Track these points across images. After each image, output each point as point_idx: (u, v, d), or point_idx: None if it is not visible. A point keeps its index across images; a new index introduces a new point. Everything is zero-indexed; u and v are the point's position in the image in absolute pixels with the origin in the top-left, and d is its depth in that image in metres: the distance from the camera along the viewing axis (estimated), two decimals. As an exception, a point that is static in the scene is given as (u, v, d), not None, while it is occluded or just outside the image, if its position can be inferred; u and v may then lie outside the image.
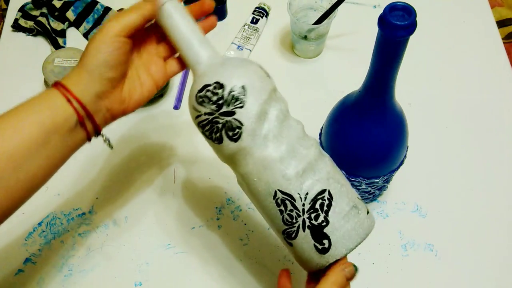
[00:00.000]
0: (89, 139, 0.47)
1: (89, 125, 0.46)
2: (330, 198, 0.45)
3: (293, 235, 0.46)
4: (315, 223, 0.45)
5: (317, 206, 0.45)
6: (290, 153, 0.45)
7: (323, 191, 0.45)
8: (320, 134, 0.63)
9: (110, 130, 0.75)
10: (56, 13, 0.84)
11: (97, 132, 0.47)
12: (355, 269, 0.47)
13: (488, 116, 0.75)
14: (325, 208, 0.45)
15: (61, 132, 0.43)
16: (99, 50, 0.44)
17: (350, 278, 0.46)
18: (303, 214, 0.45)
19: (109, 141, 0.50)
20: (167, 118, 0.75)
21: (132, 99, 0.49)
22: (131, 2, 0.90)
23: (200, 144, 0.69)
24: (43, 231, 0.66)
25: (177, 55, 0.51)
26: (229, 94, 0.44)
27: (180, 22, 0.48)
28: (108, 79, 0.45)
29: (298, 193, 0.45)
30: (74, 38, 0.83)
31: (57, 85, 0.45)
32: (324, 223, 0.45)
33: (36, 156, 0.42)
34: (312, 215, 0.45)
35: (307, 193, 0.45)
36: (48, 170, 0.44)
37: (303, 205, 0.45)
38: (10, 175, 0.41)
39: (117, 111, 0.48)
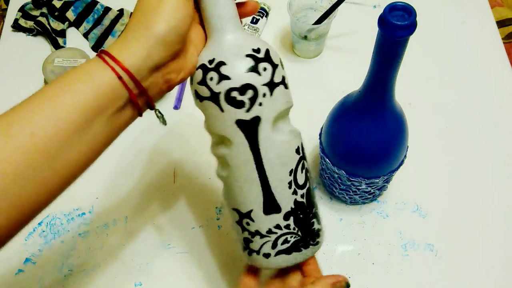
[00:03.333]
0: (140, 115, 0.41)
1: (141, 101, 0.40)
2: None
3: None
4: None
5: None
6: None
7: None
8: (320, 134, 0.63)
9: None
10: (56, 13, 0.84)
11: (150, 107, 0.42)
12: (347, 285, 0.46)
13: (488, 116, 0.75)
14: None
15: (107, 114, 0.37)
16: (171, 15, 0.37)
17: None
18: None
19: (163, 116, 0.46)
20: (167, 118, 0.75)
21: (187, 67, 0.43)
22: (131, 2, 0.90)
23: (200, 144, 0.69)
24: (43, 231, 0.66)
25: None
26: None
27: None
28: (174, 50, 0.39)
29: None
30: (74, 38, 0.83)
31: (102, 54, 0.37)
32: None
33: (75, 144, 0.36)
34: None
35: None
36: (91, 157, 0.39)
37: None
38: (45, 166, 0.35)
39: (174, 81, 0.42)
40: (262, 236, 0.46)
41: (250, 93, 0.42)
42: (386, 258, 0.64)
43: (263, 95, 0.43)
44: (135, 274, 0.63)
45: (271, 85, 0.44)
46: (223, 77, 0.42)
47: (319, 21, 0.74)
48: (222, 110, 0.43)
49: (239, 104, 0.43)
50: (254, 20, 0.83)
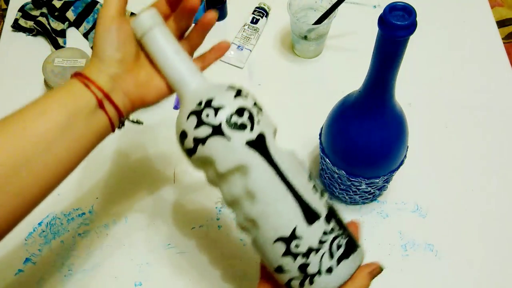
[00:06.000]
0: (112, 126, 0.47)
1: (109, 108, 0.46)
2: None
3: None
4: None
5: None
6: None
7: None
8: (320, 134, 0.63)
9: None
10: (56, 13, 0.84)
11: (120, 119, 0.48)
12: (381, 270, 0.47)
13: (488, 116, 0.75)
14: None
15: (83, 115, 0.44)
16: (100, 35, 0.46)
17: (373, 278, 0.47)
18: None
19: (137, 120, 0.51)
20: (167, 118, 0.75)
21: (151, 86, 0.49)
22: (131, 2, 0.90)
23: (200, 144, 0.69)
24: (43, 231, 0.66)
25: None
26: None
27: (167, 51, 0.47)
28: (116, 60, 0.46)
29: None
30: (74, 38, 0.83)
31: (75, 75, 0.46)
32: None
33: (61, 139, 0.43)
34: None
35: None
36: (74, 156, 0.45)
37: None
38: (38, 158, 0.42)
39: (135, 97, 0.48)
40: (316, 250, 0.44)
41: (246, 114, 0.45)
42: (386, 258, 0.64)
43: (257, 114, 0.45)
44: (135, 274, 0.63)
45: (258, 106, 0.46)
46: (217, 109, 0.44)
47: (319, 21, 0.74)
48: (229, 138, 0.44)
49: (242, 127, 0.44)
50: (254, 20, 0.83)
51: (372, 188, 0.63)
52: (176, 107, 0.76)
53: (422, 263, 0.63)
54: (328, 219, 0.45)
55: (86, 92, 0.45)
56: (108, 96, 0.46)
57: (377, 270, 0.46)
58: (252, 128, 0.44)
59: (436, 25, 0.84)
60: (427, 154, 0.71)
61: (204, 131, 0.44)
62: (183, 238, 0.65)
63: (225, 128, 0.44)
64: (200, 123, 0.44)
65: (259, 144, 0.44)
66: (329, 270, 0.44)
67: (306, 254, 0.44)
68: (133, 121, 0.51)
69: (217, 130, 0.44)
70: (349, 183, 0.61)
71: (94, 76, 0.46)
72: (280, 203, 0.44)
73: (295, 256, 0.44)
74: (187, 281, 0.63)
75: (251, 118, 0.45)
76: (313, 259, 0.44)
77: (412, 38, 0.43)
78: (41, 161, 0.42)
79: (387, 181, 0.63)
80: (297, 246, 0.44)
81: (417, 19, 0.42)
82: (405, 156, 0.61)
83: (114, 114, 0.47)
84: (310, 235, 0.44)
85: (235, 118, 0.44)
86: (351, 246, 0.45)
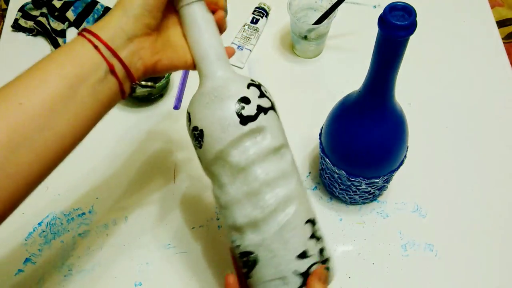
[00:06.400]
0: (122, 92, 0.43)
1: (120, 73, 0.42)
2: (255, 262, 0.45)
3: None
4: (243, 270, 0.47)
5: (244, 259, 0.46)
6: (241, 202, 0.45)
7: (249, 253, 0.45)
8: (320, 134, 0.63)
9: (110, 130, 0.75)
10: (56, 13, 0.84)
11: (132, 85, 0.44)
12: (328, 269, 0.46)
13: (488, 116, 0.75)
14: (249, 265, 0.46)
15: (88, 84, 0.40)
16: None
17: (326, 281, 0.46)
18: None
19: (135, 89, 0.46)
20: (167, 118, 0.75)
21: (165, 54, 0.46)
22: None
23: (200, 144, 0.69)
24: (43, 231, 0.66)
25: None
26: (192, 131, 0.46)
27: (208, 27, 0.46)
28: (144, 23, 0.43)
29: (232, 241, 0.47)
30: (74, 38, 0.83)
31: (82, 31, 0.41)
32: (248, 277, 0.47)
33: (62, 112, 0.39)
34: (241, 263, 0.47)
35: (238, 245, 0.46)
36: (79, 129, 0.41)
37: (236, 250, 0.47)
38: (36, 135, 0.38)
39: (149, 62, 0.45)
40: (322, 238, 0.48)
41: None
42: (386, 258, 0.64)
43: None
44: (135, 274, 0.63)
45: None
46: (265, 91, 0.47)
47: (319, 21, 0.74)
48: (278, 117, 0.47)
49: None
50: (254, 20, 0.83)
51: (372, 188, 0.63)
52: (176, 107, 0.76)
53: (422, 263, 0.63)
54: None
55: (94, 56, 0.40)
56: (122, 61, 0.42)
57: (323, 271, 0.45)
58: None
59: (436, 25, 0.84)
60: (427, 154, 0.71)
61: (267, 102, 0.45)
62: (183, 238, 0.65)
63: (275, 107, 0.47)
64: (262, 94, 0.45)
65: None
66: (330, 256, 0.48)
67: (322, 240, 0.47)
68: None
69: (273, 106, 0.46)
70: (349, 183, 0.61)
71: (108, 35, 0.41)
72: (303, 187, 0.47)
73: (318, 239, 0.46)
74: (187, 281, 0.63)
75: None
76: (326, 244, 0.47)
77: (412, 38, 0.43)
78: (40, 138, 0.38)
79: (387, 181, 0.63)
80: (318, 230, 0.46)
81: (417, 19, 0.42)
82: (405, 156, 0.61)
83: (125, 80, 0.43)
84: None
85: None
86: None
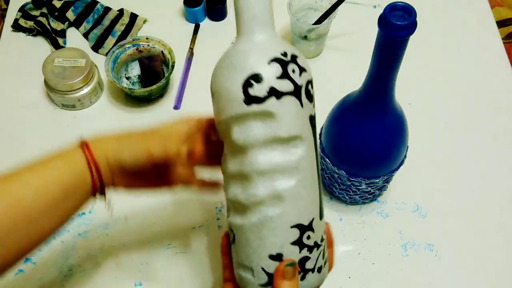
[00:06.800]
0: (94, 195, 0.48)
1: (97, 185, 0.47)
2: (233, 240, 0.44)
3: None
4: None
5: (229, 230, 0.45)
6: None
7: (230, 229, 0.44)
8: (320, 134, 0.63)
9: (111, 129, 0.75)
10: (56, 13, 0.84)
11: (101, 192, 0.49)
12: (292, 266, 0.41)
13: (488, 116, 0.75)
14: (231, 238, 0.44)
15: (77, 194, 0.45)
16: (132, 158, 0.47)
17: (293, 277, 0.42)
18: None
19: (109, 204, 0.50)
20: (167, 118, 0.75)
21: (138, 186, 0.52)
22: (131, 2, 0.90)
23: (200, 144, 0.69)
24: (43, 231, 0.66)
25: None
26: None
27: None
28: (127, 175, 0.48)
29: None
30: (74, 38, 0.83)
31: (82, 145, 0.47)
32: (230, 245, 0.45)
33: (51, 215, 0.43)
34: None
35: (228, 214, 0.45)
36: (54, 230, 0.45)
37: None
38: (23, 231, 0.41)
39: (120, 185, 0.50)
40: (318, 247, 0.42)
41: (312, 88, 0.42)
42: (386, 258, 0.64)
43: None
44: (135, 274, 0.63)
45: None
46: (302, 70, 0.40)
47: (319, 21, 0.74)
48: (302, 105, 0.40)
49: (312, 99, 0.41)
50: (254, 20, 0.83)
51: (372, 188, 0.63)
52: (176, 107, 0.76)
53: (422, 263, 0.63)
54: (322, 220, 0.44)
55: (86, 173, 0.45)
56: (103, 186, 0.47)
57: (288, 270, 0.41)
58: (314, 105, 0.42)
59: (436, 25, 0.84)
60: (427, 154, 0.71)
61: (286, 85, 0.39)
62: (183, 238, 0.65)
63: (303, 92, 0.40)
64: (284, 75, 0.39)
65: (314, 123, 0.42)
66: (319, 269, 0.43)
67: (311, 249, 0.41)
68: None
69: (297, 91, 0.39)
70: (349, 183, 0.61)
71: (100, 156, 0.46)
72: (312, 190, 0.42)
73: (302, 247, 0.41)
74: (187, 281, 0.63)
75: (312, 94, 0.42)
76: (314, 254, 0.42)
77: (412, 38, 0.43)
78: (24, 234, 0.41)
79: (387, 181, 0.63)
80: (308, 237, 0.41)
81: (417, 19, 0.42)
82: (405, 156, 0.61)
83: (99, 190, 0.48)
84: (319, 230, 0.42)
85: (310, 88, 0.41)
86: (325, 253, 0.45)
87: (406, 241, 0.65)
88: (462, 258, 0.64)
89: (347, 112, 0.57)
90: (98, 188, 0.47)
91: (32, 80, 0.78)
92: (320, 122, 0.64)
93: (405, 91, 0.60)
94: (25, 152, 0.73)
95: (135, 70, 0.79)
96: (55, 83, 0.72)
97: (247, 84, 0.38)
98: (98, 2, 0.85)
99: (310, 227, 0.41)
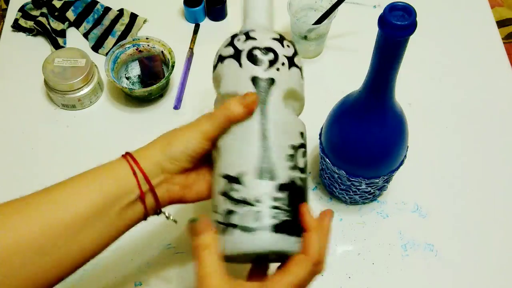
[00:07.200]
0: (145, 216, 0.46)
1: (149, 200, 0.45)
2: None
3: None
4: None
5: None
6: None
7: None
8: (320, 134, 0.63)
9: (111, 130, 0.75)
10: (56, 13, 0.84)
11: (156, 211, 0.47)
12: (193, 222, 0.42)
13: (488, 116, 0.75)
14: None
15: (121, 204, 0.43)
16: (184, 143, 0.45)
17: (197, 233, 0.42)
18: None
19: (171, 217, 0.50)
20: (167, 118, 0.75)
21: (193, 189, 0.48)
22: (131, 2, 0.90)
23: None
24: (43, 231, 0.66)
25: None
26: None
27: None
28: (180, 166, 0.46)
29: None
30: (74, 38, 0.83)
31: (126, 155, 0.45)
32: None
33: (91, 227, 0.41)
34: None
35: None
36: (98, 246, 0.43)
37: None
38: (63, 245, 0.40)
39: (176, 196, 0.47)
40: (247, 204, 0.42)
41: (270, 56, 0.46)
42: (386, 258, 0.64)
43: (282, 64, 0.47)
44: (135, 274, 0.63)
45: (291, 61, 0.48)
46: (249, 38, 0.47)
47: (319, 21, 0.74)
48: (240, 65, 0.46)
49: (258, 62, 0.46)
50: (254, 20, 0.83)
51: (372, 188, 0.63)
52: (176, 107, 0.76)
53: (422, 263, 0.63)
54: (282, 188, 0.43)
55: (131, 180, 0.43)
56: (153, 190, 0.45)
57: (191, 227, 0.42)
58: (266, 69, 0.46)
59: (436, 25, 0.84)
60: (427, 154, 0.71)
61: (228, 51, 0.47)
62: (183, 238, 0.65)
63: (243, 56, 0.46)
64: (229, 44, 0.48)
65: (263, 86, 0.45)
66: (247, 229, 0.41)
67: (236, 202, 0.42)
68: (167, 217, 0.50)
69: (236, 55, 0.46)
70: (349, 183, 0.61)
71: (146, 163, 0.44)
72: (246, 145, 0.44)
73: (228, 198, 0.43)
74: (187, 281, 0.63)
75: (272, 62, 0.46)
76: (240, 210, 0.42)
77: (412, 38, 0.43)
78: (64, 248, 0.40)
79: (387, 181, 0.63)
80: (235, 190, 0.43)
81: (417, 19, 0.42)
82: (405, 156, 0.61)
83: (152, 207, 0.46)
84: (252, 188, 0.42)
85: (256, 52, 0.46)
86: (287, 228, 0.42)
87: (406, 241, 0.65)
88: (462, 258, 0.64)
89: (347, 112, 0.57)
90: (144, 197, 0.44)
91: (32, 80, 0.78)
92: (320, 122, 0.64)
93: (405, 91, 0.60)
94: (25, 152, 0.73)
95: (135, 70, 0.79)
96: (55, 83, 0.72)
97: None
98: (98, 2, 0.85)
99: (237, 180, 0.43)
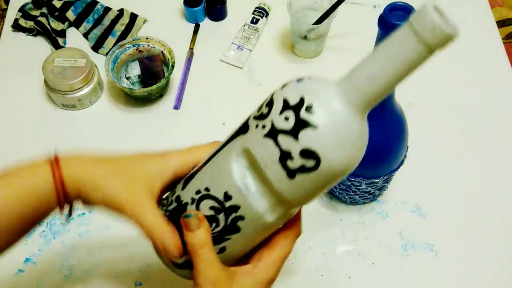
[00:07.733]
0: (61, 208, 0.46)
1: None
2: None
3: None
4: None
5: None
6: None
7: None
8: (320, 134, 0.63)
9: (110, 130, 0.75)
10: (56, 13, 0.84)
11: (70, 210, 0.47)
12: (187, 216, 0.42)
13: (488, 116, 0.75)
14: None
15: (40, 210, 0.46)
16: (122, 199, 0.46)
17: (192, 228, 0.42)
18: None
19: (69, 216, 0.48)
20: (167, 118, 0.75)
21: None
22: (131, 2, 0.90)
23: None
24: (43, 231, 0.66)
25: None
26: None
27: None
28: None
29: None
30: (74, 38, 0.83)
31: (52, 162, 0.45)
32: None
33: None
34: None
35: None
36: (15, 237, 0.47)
37: None
38: None
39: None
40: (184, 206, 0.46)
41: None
42: (386, 258, 0.64)
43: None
44: (135, 274, 0.63)
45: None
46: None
47: (319, 21, 0.74)
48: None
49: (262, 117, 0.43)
50: (254, 20, 0.83)
51: (372, 188, 0.63)
52: (176, 107, 0.76)
53: (422, 263, 0.63)
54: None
55: (52, 191, 0.44)
56: (71, 202, 0.45)
57: (186, 222, 0.42)
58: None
59: (436, 25, 0.84)
60: (427, 154, 0.71)
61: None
62: (183, 238, 0.65)
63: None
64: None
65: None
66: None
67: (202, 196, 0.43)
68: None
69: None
70: (349, 183, 0.61)
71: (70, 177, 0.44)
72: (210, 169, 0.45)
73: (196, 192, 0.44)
74: (187, 282, 0.63)
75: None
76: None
77: (412, 38, 0.43)
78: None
79: (387, 181, 0.63)
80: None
81: (417, 19, 0.42)
82: (405, 156, 0.61)
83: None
84: (185, 194, 0.45)
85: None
86: None
87: (406, 241, 0.65)
88: (462, 258, 0.64)
89: (347, 112, 0.57)
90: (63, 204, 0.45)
91: (32, 80, 0.78)
92: (320, 122, 0.64)
93: (405, 91, 0.60)
94: (25, 152, 0.73)
95: (135, 70, 0.79)
96: (55, 83, 0.72)
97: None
98: (98, 2, 0.85)
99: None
